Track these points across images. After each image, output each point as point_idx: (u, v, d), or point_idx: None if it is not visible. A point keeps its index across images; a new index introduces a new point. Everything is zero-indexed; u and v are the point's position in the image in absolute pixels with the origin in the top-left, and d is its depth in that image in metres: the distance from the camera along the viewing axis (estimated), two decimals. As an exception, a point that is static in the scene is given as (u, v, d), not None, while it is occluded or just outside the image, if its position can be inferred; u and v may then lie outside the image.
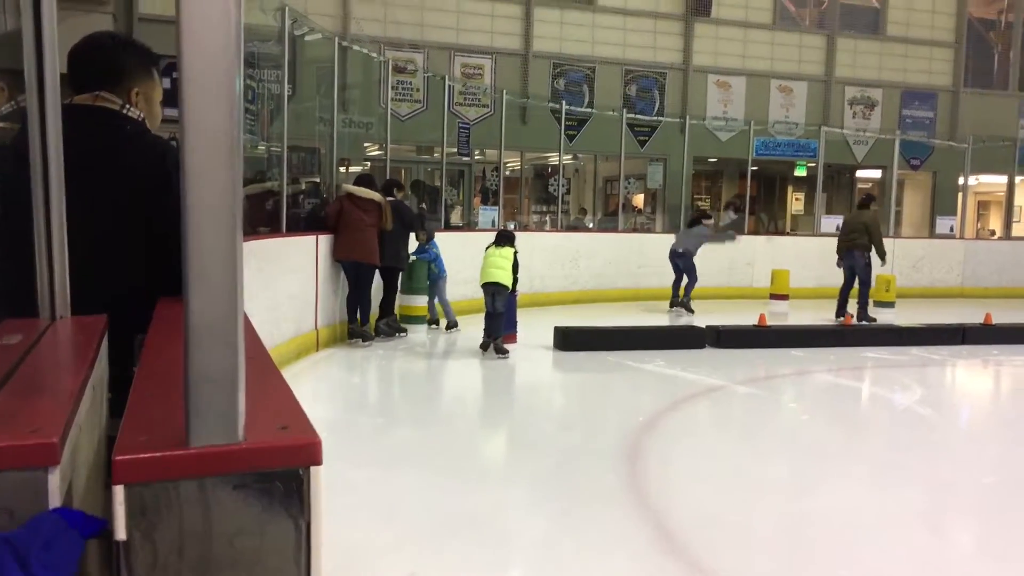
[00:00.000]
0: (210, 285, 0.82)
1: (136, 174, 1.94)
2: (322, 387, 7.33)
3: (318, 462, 0.86)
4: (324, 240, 8.37)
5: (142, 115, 2.03)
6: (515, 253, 8.34)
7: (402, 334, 9.14)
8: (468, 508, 4.19)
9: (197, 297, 0.82)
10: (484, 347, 8.33)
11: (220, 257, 0.81)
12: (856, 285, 11.27)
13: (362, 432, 5.80)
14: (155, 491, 0.79)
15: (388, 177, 10.20)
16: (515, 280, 8.34)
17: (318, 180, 11.99)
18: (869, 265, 11.15)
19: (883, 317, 11.67)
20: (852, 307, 11.39)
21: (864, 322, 10.99)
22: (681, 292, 11.95)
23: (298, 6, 11.05)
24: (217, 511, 0.81)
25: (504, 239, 8.49)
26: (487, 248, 8.48)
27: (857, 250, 11.14)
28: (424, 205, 12.27)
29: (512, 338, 8.72)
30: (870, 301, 11.59)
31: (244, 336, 0.86)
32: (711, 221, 12.07)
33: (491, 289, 8.19)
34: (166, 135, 2.44)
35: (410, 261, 9.43)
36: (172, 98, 2.76)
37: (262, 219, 8.57)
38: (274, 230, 8.14)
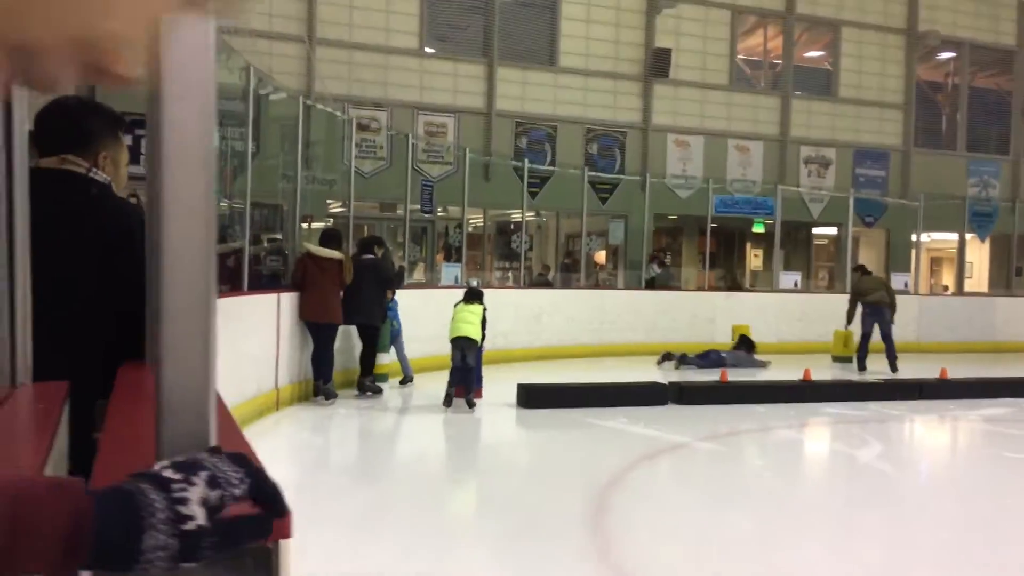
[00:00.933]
0: (183, 356, 0.82)
1: (100, 238, 1.94)
2: (282, 447, 7.21)
3: (287, 535, 0.85)
4: (286, 298, 8.31)
5: (108, 179, 2.03)
6: (484, 310, 8.46)
7: (379, 394, 9.07)
8: (432, 569, 4.12)
9: (169, 369, 0.82)
10: (447, 403, 8.32)
11: (194, 329, 0.82)
12: (879, 339, 11.93)
13: (323, 492, 5.70)
14: (123, 566, 0.77)
15: (364, 234, 10.18)
16: (483, 336, 8.42)
17: (280, 237, 11.95)
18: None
19: (842, 372, 11.83)
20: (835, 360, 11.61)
21: (895, 372, 11.66)
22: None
23: (263, 65, 11.14)
24: (186, 585, 0.80)
25: (472, 296, 8.64)
26: (456, 304, 8.56)
27: (885, 307, 11.90)
28: (404, 265, 12.22)
29: (478, 393, 8.73)
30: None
31: (216, 405, 0.86)
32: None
33: (460, 344, 8.26)
34: (126, 191, 2.44)
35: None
36: (135, 155, 2.75)
37: (223, 277, 8.50)
38: (235, 288, 8.07)
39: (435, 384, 9.10)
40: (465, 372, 8.33)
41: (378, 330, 9.06)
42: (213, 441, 0.85)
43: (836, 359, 12.83)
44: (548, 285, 15.73)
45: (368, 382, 8.94)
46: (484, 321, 8.42)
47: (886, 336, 11.88)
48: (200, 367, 0.83)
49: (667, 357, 12.36)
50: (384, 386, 9.40)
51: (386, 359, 9.57)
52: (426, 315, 9.97)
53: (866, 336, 12.06)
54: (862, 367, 12.03)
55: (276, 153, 11.33)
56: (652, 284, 15.02)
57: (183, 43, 0.82)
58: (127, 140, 2.29)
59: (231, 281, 8.30)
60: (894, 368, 11.74)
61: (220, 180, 9.36)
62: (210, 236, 0.83)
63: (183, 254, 0.82)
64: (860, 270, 12.88)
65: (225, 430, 1.17)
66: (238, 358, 7.04)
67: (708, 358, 12.15)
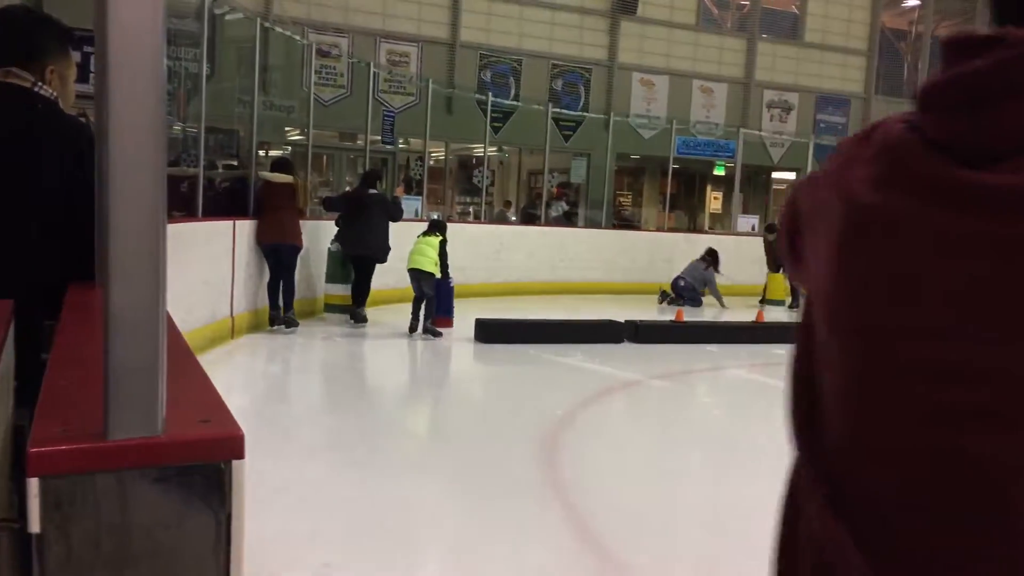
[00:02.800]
0: (132, 274, 0.80)
1: (47, 155, 1.88)
2: (237, 376, 7.19)
3: (240, 456, 0.86)
4: (242, 225, 8.20)
5: (55, 94, 1.96)
6: (442, 242, 8.68)
7: (365, 323, 9.20)
8: (384, 501, 4.18)
9: (118, 286, 0.80)
10: (412, 330, 8.63)
11: (143, 246, 0.80)
12: None
13: (276, 422, 5.71)
14: (71, 484, 0.77)
15: (323, 164, 10.04)
16: (445, 266, 8.70)
17: (236, 163, 11.72)
18: None
19: (774, 315, 12.06)
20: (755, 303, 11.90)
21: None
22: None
23: (219, -16, 10.76)
24: (135, 504, 0.80)
25: (433, 227, 8.92)
26: (418, 236, 8.79)
27: None
28: (398, 197, 12.00)
29: (448, 323, 9.06)
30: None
31: (165, 327, 0.84)
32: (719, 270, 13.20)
33: (415, 275, 8.56)
34: (75, 111, 2.36)
35: (336, 246, 9.30)
36: (83, 73, 2.65)
37: (177, 202, 8.34)
38: (189, 214, 7.93)
39: (395, 315, 9.12)
40: (425, 302, 8.57)
41: (374, 264, 9.20)
42: (163, 363, 0.83)
43: (769, 302, 13.15)
44: (509, 221, 15.69)
45: (360, 312, 9.14)
46: (444, 253, 8.64)
47: None
48: (149, 287, 0.81)
49: (664, 295, 12.84)
50: (343, 317, 9.37)
51: (342, 291, 9.47)
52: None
53: None
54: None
55: (232, 76, 11.03)
56: (560, 222, 14.87)
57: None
58: (77, 57, 2.21)
59: (185, 207, 8.16)
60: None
61: (173, 102, 9.10)
62: (159, 152, 0.81)
63: (132, 171, 0.79)
64: (776, 229, 13.33)
65: (178, 355, 1.16)
66: (191, 285, 6.95)
67: (681, 289, 12.70)
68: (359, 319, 9.10)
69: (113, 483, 0.79)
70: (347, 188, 15.52)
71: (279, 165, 8.95)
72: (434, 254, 8.56)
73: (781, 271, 12.91)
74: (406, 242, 8.92)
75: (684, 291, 12.73)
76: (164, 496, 0.81)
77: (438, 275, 8.61)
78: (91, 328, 1.38)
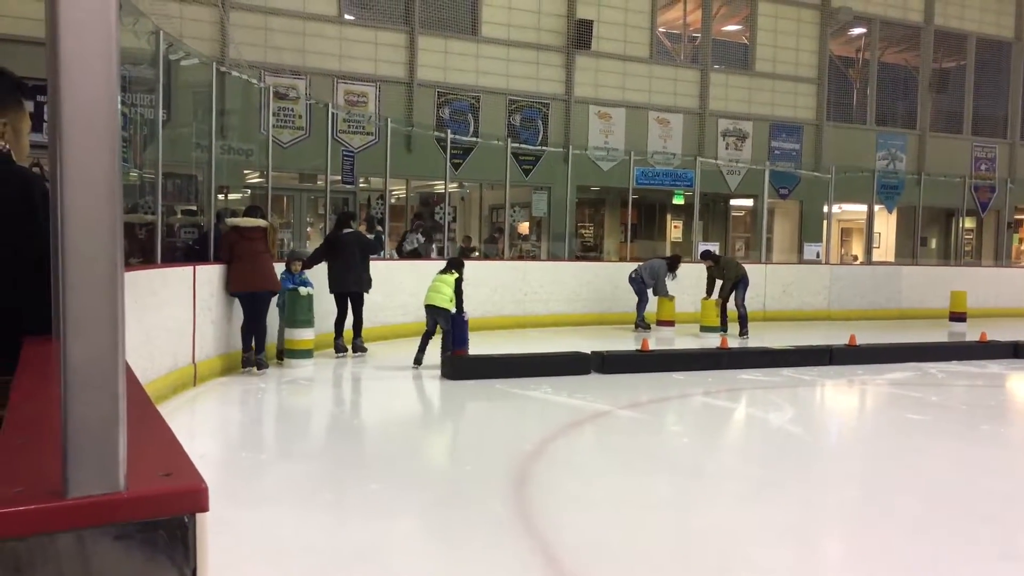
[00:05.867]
0: (89, 327, 0.79)
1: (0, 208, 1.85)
2: (200, 423, 7.07)
3: (204, 509, 0.84)
4: (203, 271, 8.10)
5: (7, 147, 1.94)
6: (458, 279, 9.15)
7: (365, 352, 9.78)
8: (355, 543, 4.11)
9: (74, 340, 0.79)
10: (417, 362, 9.05)
11: (100, 298, 0.79)
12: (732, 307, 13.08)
13: (243, 468, 5.62)
14: (30, 546, 0.75)
15: (283, 206, 10.01)
16: (461, 301, 9.16)
17: (195, 208, 11.62)
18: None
19: (712, 341, 12.17)
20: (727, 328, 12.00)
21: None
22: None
23: (173, 30, 10.75)
24: (97, 563, 0.78)
25: (450, 265, 9.39)
26: (437, 273, 9.32)
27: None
28: (380, 228, 12.40)
29: (463, 353, 9.22)
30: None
31: (124, 380, 0.83)
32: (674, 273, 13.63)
33: (431, 311, 9.01)
34: (29, 160, 2.33)
35: (305, 290, 9.16)
36: (37, 122, 2.62)
37: (135, 249, 8.25)
38: (148, 260, 7.84)
39: (361, 355, 9.06)
40: (442, 336, 8.98)
41: (362, 296, 9.72)
42: (123, 417, 0.82)
43: (704, 328, 13.04)
44: (472, 257, 15.69)
45: (359, 343, 9.68)
46: (460, 290, 9.11)
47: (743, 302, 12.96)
48: (107, 340, 0.80)
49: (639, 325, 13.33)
50: (308, 363, 9.24)
51: (307, 335, 9.26)
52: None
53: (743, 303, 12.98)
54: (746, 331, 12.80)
55: (189, 121, 10.98)
56: (414, 255, 14.23)
57: (81, 1, 0.78)
58: (29, 107, 2.18)
59: (144, 253, 8.07)
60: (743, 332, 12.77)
61: (129, 148, 9.04)
62: (115, 204, 0.80)
63: (86, 223, 0.79)
64: (712, 256, 13.49)
65: (138, 406, 1.14)
66: (152, 333, 6.85)
67: (631, 281, 13.28)
68: (359, 349, 9.64)
69: (74, 543, 0.77)
70: (308, 229, 15.53)
71: (251, 211, 9.01)
72: (449, 291, 8.97)
73: (713, 298, 12.99)
74: (426, 280, 9.43)
75: (633, 283, 13.21)
76: (127, 554, 0.79)
77: (453, 310, 9.00)
78: (48, 383, 1.36)
